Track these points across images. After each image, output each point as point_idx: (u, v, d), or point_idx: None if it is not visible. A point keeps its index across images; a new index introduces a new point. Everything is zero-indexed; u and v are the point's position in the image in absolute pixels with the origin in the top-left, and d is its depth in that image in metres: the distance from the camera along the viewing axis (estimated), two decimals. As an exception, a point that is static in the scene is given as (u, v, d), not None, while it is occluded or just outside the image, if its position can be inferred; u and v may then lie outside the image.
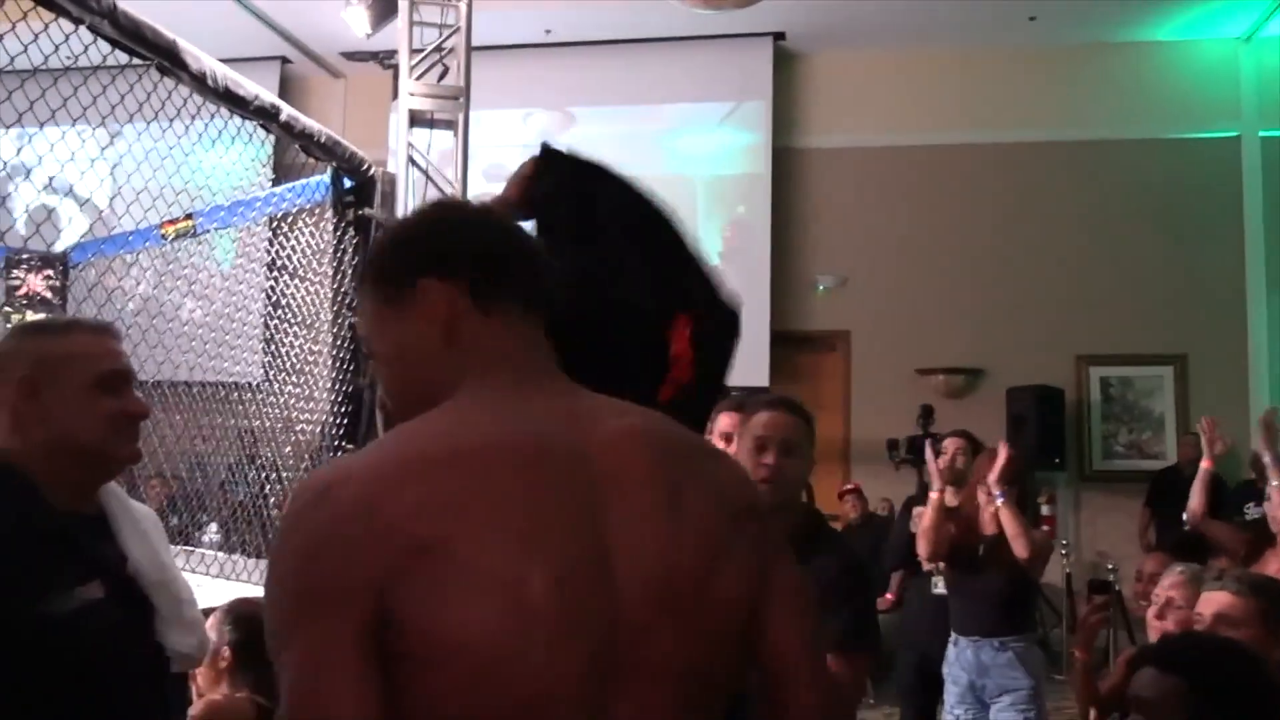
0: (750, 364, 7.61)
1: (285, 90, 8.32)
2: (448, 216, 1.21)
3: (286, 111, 3.59)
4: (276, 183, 5.27)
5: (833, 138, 8.41)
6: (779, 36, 8.25)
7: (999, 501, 3.48)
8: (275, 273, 4.76)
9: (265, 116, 3.50)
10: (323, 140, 3.83)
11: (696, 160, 8.49)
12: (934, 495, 3.61)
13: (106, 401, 1.56)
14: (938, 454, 3.80)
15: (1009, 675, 3.48)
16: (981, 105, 8.22)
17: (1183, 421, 7.89)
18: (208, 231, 5.27)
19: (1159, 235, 7.91)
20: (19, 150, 2.94)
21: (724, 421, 2.71)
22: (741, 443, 2.23)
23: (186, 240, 5.34)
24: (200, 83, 3.15)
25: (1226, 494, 7.23)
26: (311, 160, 4.06)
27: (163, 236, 5.43)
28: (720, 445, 2.75)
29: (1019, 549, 3.43)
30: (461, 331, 1.08)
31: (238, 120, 3.60)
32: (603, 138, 8.43)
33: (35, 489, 1.51)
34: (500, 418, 1.03)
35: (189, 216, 5.19)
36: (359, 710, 0.91)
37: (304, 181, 4.40)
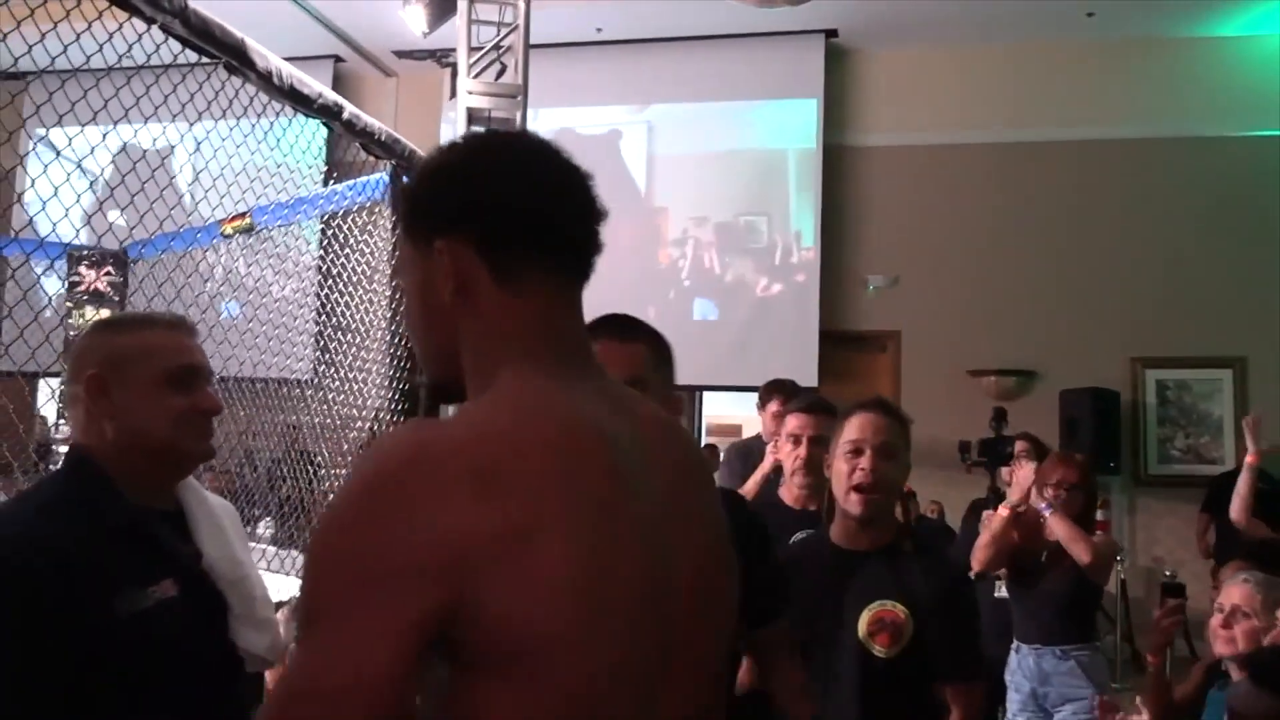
0: (799, 363, 7.56)
1: (338, 88, 8.40)
2: (482, 163, 1.03)
3: (349, 110, 3.61)
4: (328, 182, 5.32)
5: (884, 136, 8.33)
6: (831, 34, 8.19)
7: (1046, 513, 3.43)
8: (331, 268, 4.79)
9: (328, 114, 3.51)
10: (382, 138, 3.85)
11: (780, 131, 8.40)
12: (1005, 510, 3.53)
13: (176, 398, 1.56)
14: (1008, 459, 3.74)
15: (1071, 684, 3.42)
16: (1035, 103, 8.10)
17: (1240, 425, 7.73)
18: (265, 228, 5.34)
19: (1214, 234, 7.75)
20: (92, 148, 2.96)
21: (793, 423, 2.67)
22: (834, 447, 2.19)
23: (245, 236, 5.42)
24: (266, 81, 3.17)
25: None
26: (365, 159, 4.08)
27: (223, 234, 5.51)
28: (788, 447, 2.73)
29: (1078, 554, 3.38)
30: (479, 299, 1.00)
31: (293, 119, 3.63)
32: (666, 129, 8.46)
33: (111, 484, 1.52)
34: (568, 404, 0.97)
35: (246, 214, 5.26)
36: (383, 696, 0.82)
37: (362, 179, 4.43)
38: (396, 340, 4.07)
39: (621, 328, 1.72)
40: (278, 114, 3.63)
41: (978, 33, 7.98)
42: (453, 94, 4.42)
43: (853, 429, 2.17)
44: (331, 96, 3.50)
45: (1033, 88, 8.11)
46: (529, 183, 1.01)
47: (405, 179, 4.19)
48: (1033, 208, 8.04)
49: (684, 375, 7.29)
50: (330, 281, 4.75)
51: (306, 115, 3.50)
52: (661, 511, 0.97)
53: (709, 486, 1.10)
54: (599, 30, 8.20)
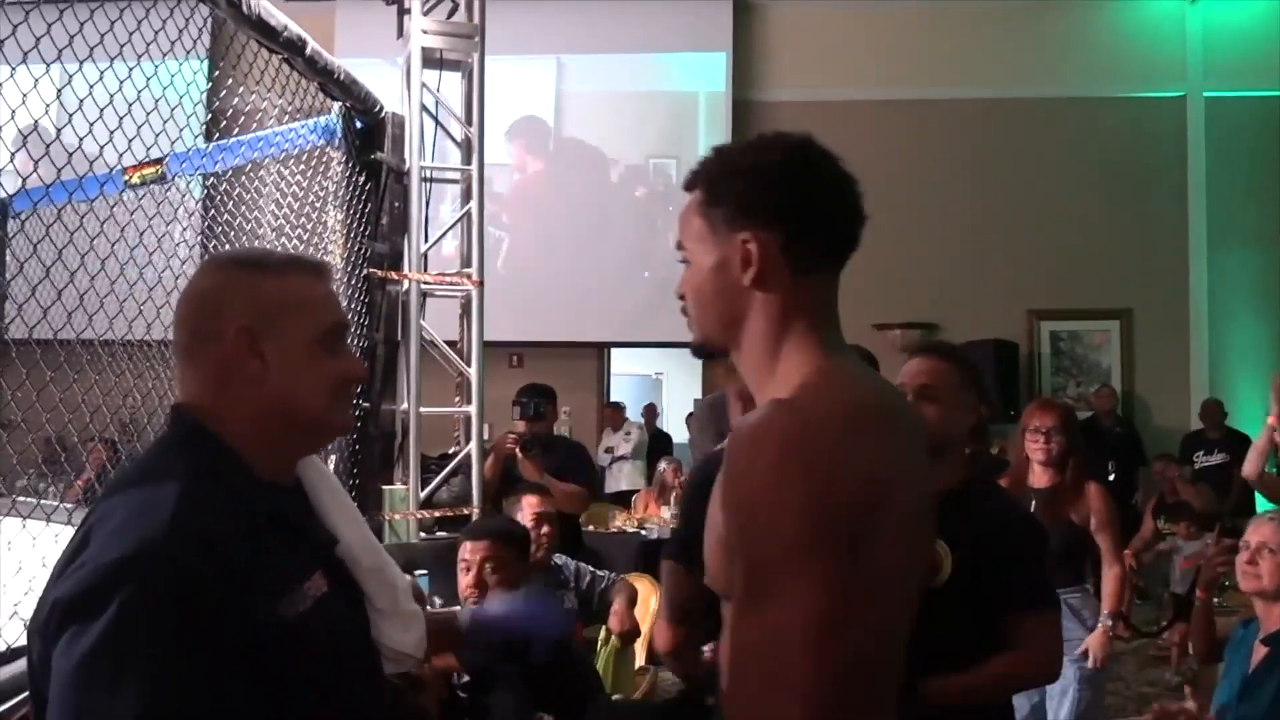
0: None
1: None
2: (792, 169, 1.16)
3: (311, 46, 3.34)
4: (210, 134, 4.94)
5: (791, 91, 8.35)
6: (739, -13, 8.14)
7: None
8: (258, 222, 4.45)
9: (292, 49, 3.25)
10: (341, 77, 3.59)
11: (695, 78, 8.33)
12: None
13: (329, 362, 1.29)
14: None
15: (1065, 626, 3.49)
16: (938, 61, 8.26)
17: (1128, 374, 8.15)
18: (179, 176, 4.93)
19: (1107, 192, 8.10)
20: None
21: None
22: None
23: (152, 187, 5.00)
24: (235, 9, 2.89)
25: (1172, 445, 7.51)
26: (249, 108, 3.78)
27: (127, 183, 5.06)
28: None
29: None
30: (776, 287, 1.13)
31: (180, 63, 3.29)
32: (589, 82, 8.27)
33: (240, 461, 1.25)
34: (871, 380, 1.18)
35: (158, 161, 4.84)
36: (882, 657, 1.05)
37: (298, 124, 4.12)
38: (353, 295, 3.82)
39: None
40: (163, 57, 3.31)
41: (883, -11, 8.06)
42: (399, 33, 4.14)
43: (903, 374, 2.15)
44: (296, 30, 3.23)
45: (935, 47, 8.25)
46: (827, 193, 1.15)
47: (358, 122, 3.93)
48: (935, 164, 8.21)
49: (592, 331, 7.18)
50: (227, 232, 4.38)
51: (270, 50, 3.22)
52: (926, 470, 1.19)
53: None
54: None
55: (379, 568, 1.43)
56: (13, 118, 2.66)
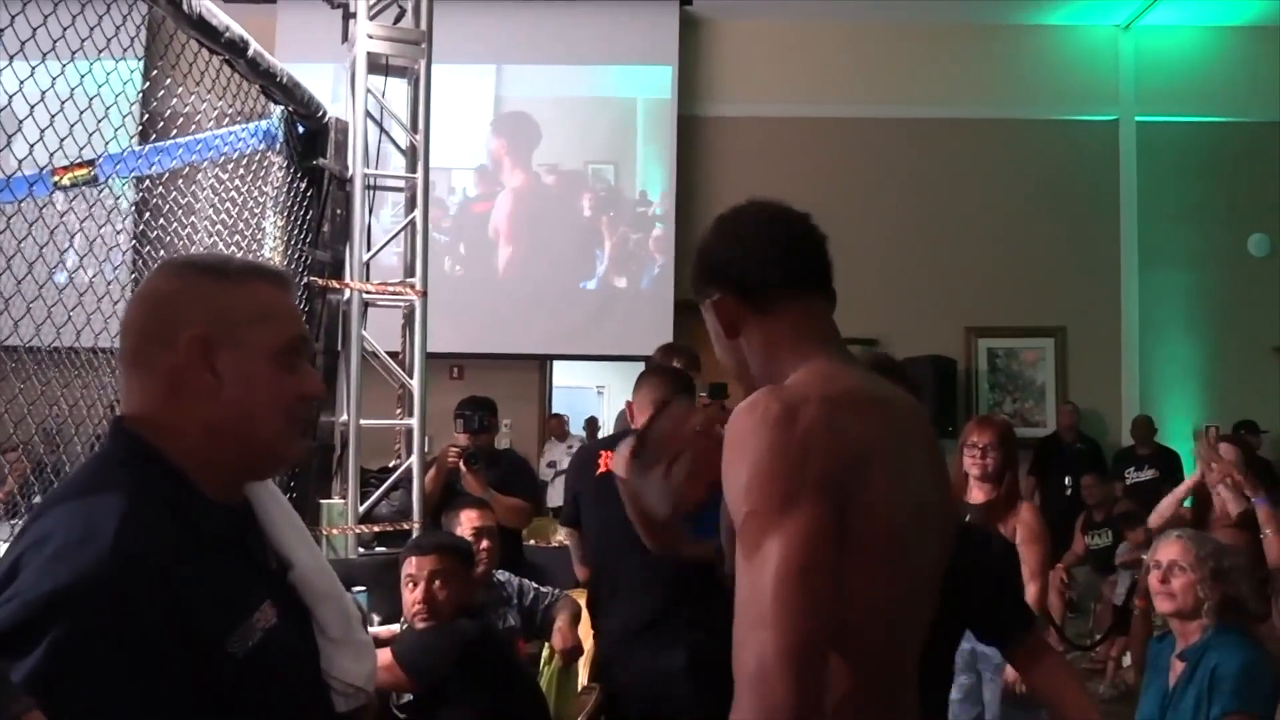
0: (654, 332, 7.52)
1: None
2: (723, 236, 1.41)
3: (254, 47, 3.26)
4: (145, 136, 4.81)
5: (738, 106, 8.39)
6: (685, 1, 8.15)
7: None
8: (194, 227, 4.33)
9: (234, 50, 3.17)
10: (284, 81, 3.51)
11: (632, 85, 8.34)
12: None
13: (287, 379, 1.19)
14: None
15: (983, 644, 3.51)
16: (880, 80, 8.35)
17: (1061, 390, 8.29)
18: (110, 179, 4.79)
19: (1043, 212, 8.25)
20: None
21: None
22: None
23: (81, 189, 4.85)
24: (175, 7, 2.82)
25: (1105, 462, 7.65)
26: (186, 110, 3.69)
27: (56, 185, 4.90)
28: None
29: None
30: (743, 329, 1.37)
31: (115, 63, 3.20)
32: (530, 89, 8.23)
33: (185, 479, 1.15)
34: (855, 377, 1.32)
35: (89, 163, 4.70)
36: (833, 596, 1.13)
37: (238, 128, 4.02)
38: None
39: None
40: (98, 54, 3.21)
41: (827, 8, 8.14)
42: (344, 37, 4.06)
43: None
44: (239, 31, 3.15)
45: (877, 65, 8.35)
46: (759, 242, 1.38)
47: (300, 127, 3.85)
48: (875, 181, 8.29)
49: (534, 343, 7.11)
50: (170, 237, 4.26)
51: (211, 50, 3.14)
52: (924, 456, 1.31)
53: (938, 450, 1.39)
54: (447, -17, 7.84)
55: (334, 594, 1.35)
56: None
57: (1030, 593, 3.61)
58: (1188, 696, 2.70)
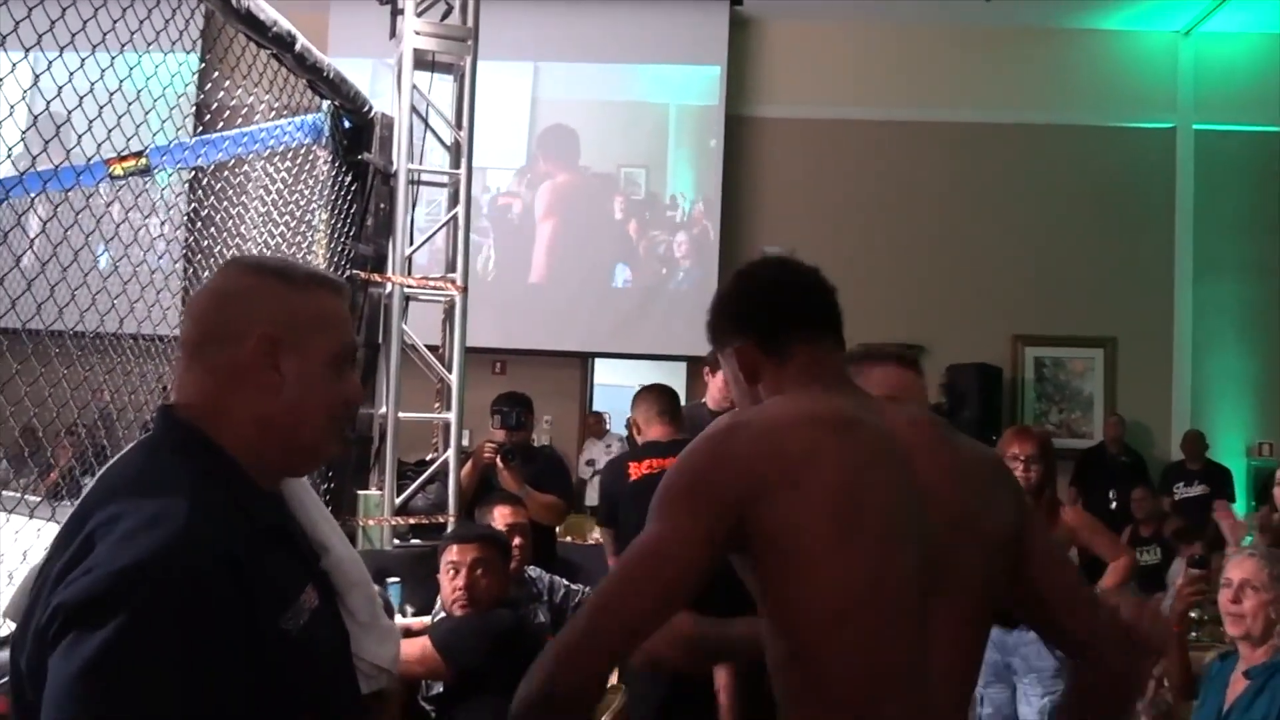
0: (698, 332, 7.51)
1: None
2: (749, 287, 1.52)
3: (300, 42, 3.30)
4: (199, 128, 4.88)
5: (785, 107, 8.35)
6: (736, 1, 8.12)
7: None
8: (240, 218, 4.38)
9: (281, 45, 3.20)
10: (330, 75, 3.55)
11: (667, 88, 8.34)
12: None
13: (336, 385, 1.26)
14: None
15: (1035, 655, 3.47)
16: (933, 84, 8.26)
17: (1110, 402, 8.15)
18: (162, 169, 4.87)
19: (1095, 220, 8.11)
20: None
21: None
22: None
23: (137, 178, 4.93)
24: (224, 2, 2.85)
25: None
26: (235, 103, 3.73)
27: (110, 175, 4.99)
28: None
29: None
30: (762, 375, 1.47)
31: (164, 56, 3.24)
32: (568, 92, 8.26)
33: (242, 471, 1.21)
34: (823, 402, 1.40)
35: (141, 153, 4.78)
36: (681, 578, 1.26)
37: (285, 121, 4.07)
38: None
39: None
40: (148, 47, 3.25)
41: (879, 11, 8.07)
42: (392, 33, 4.10)
43: (869, 383, 2.14)
44: (286, 25, 3.19)
45: (930, 69, 8.26)
46: (775, 295, 1.50)
47: (346, 121, 3.88)
48: (926, 186, 8.21)
49: (575, 340, 7.12)
50: (211, 230, 4.31)
51: (259, 44, 3.18)
52: (910, 472, 1.35)
53: (976, 455, 1.45)
54: (499, -19, 7.88)
55: (363, 582, 1.42)
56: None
57: (1117, 568, 3.55)
58: (1250, 716, 2.64)
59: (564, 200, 8.30)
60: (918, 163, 8.24)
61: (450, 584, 2.75)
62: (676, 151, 8.33)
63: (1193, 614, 3.51)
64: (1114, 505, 7.27)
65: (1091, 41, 8.22)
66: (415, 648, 2.50)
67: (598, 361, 8.61)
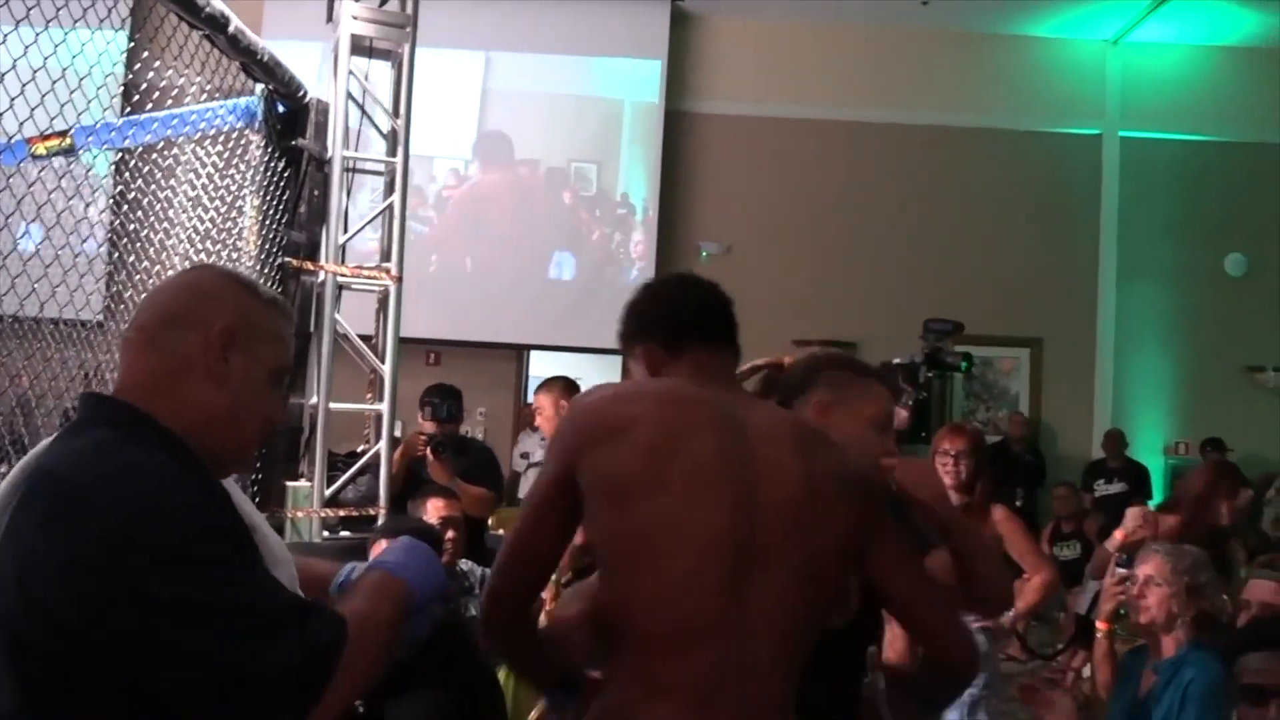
0: (633, 327, 7.53)
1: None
2: (657, 298, 1.74)
3: (234, 23, 3.23)
4: (125, 106, 4.76)
5: (724, 104, 8.39)
6: (677, -4, 8.15)
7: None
8: (168, 202, 4.27)
9: (214, 26, 3.13)
10: (265, 59, 3.48)
11: (620, 84, 8.35)
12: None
13: (269, 399, 1.36)
14: None
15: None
16: (868, 84, 8.36)
17: (1034, 401, 8.34)
18: (87, 149, 4.73)
19: (1023, 223, 8.29)
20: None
21: None
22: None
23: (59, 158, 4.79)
24: (154, -20, 2.78)
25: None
26: (165, 84, 3.65)
27: (32, 155, 4.84)
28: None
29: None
30: (662, 371, 1.68)
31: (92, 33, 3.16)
32: (519, 83, 8.20)
33: (191, 453, 1.27)
34: (674, 385, 1.63)
35: (64, 133, 4.64)
36: (545, 514, 1.56)
37: (216, 104, 3.98)
38: (266, 283, 3.70)
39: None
40: (74, 24, 3.16)
41: (819, 10, 8.14)
42: (329, 17, 4.03)
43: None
44: (219, 6, 3.12)
45: (868, 69, 8.36)
46: (668, 306, 1.71)
47: (280, 106, 3.81)
48: (857, 185, 8.31)
49: (511, 332, 7.08)
50: (137, 213, 4.20)
51: (191, 25, 3.11)
52: (745, 450, 1.52)
53: (832, 461, 1.59)
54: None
55: (286, 559, 1.45)
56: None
57: (1035, 585, 3.61)
58: (1158, 710, 2.72)
59: (510, 192, 8.25)
60: (851, 162, 8.33)
61: (377, 579, 2.72)
62: (630, 149, 8.32)
63: (1121, 611, 3.60)
64: (1020, 502, 7.44)
65: (1023, 47, 8.39)
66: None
67: (533, 354, 8.58)
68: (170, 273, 3.84)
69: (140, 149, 4.53)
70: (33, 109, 3.21)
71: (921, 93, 8.35)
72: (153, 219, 3.97)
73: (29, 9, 2.86)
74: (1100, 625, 3.04)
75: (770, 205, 8.26)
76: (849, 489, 1.58)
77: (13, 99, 3.10)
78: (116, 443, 1.23)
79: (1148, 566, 2.81)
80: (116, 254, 4.25)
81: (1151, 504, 7.68)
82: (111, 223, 4.58)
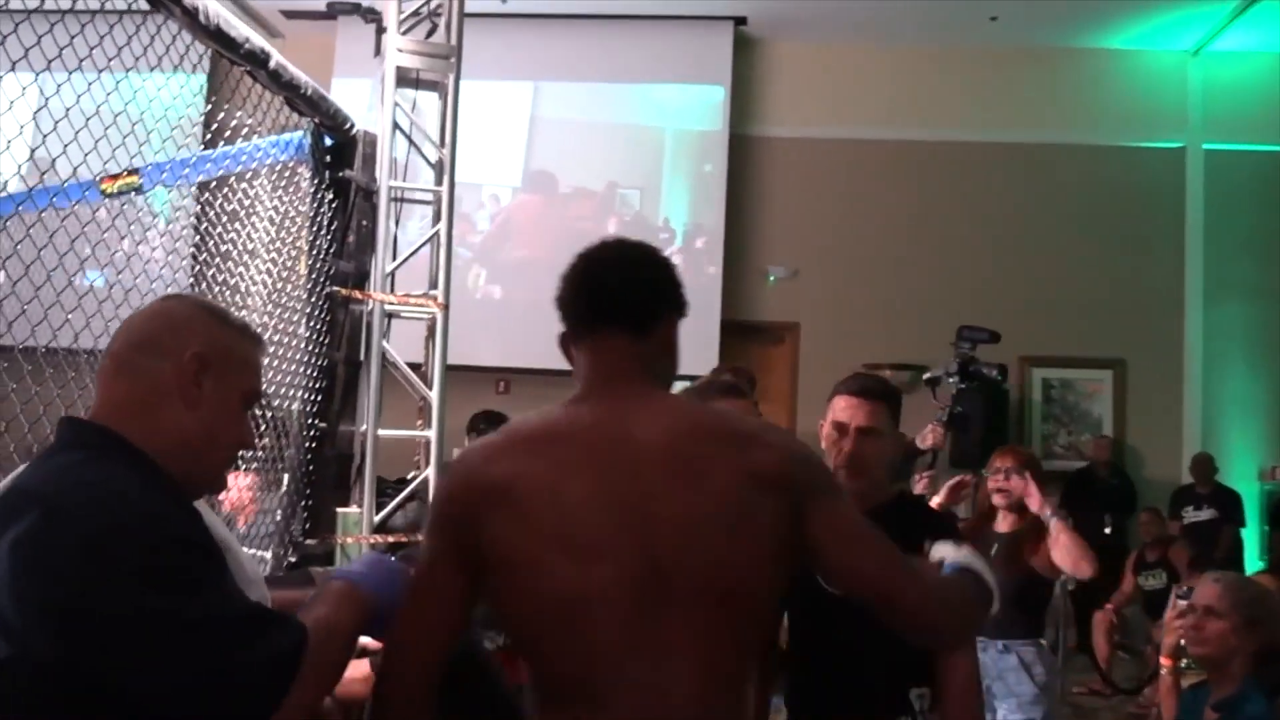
0: (700, 353, 7.48)
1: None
2: (565, 275, 1.53)
3: (275, 59, 3.31)
4: (209, 145, 4.92)
5: (788, 127, 8.34)
6: (740, 21, 8.13)
7: (1053, 523, 3.41)
8: (215, 234, 4.38)
9: (254, 62, 3.21)
10: (308, 93, 3.56)
11: (665, 111, 8.37)
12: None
13: (239, 422, 1.40)
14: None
15: (1013, 680, 3.41)
16: (938, 103, 8.23)
17: (1118, 424, 8.04)
18: (155, 188, 4.90)
19: (1104, 241, 8.03)
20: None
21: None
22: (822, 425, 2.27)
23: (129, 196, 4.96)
24: (192, 19, 2.86)
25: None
26: (247, 123, 3.76)
27: (102, 192, 5.03)
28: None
29: (1086, 571, 3.38)
30: (575, 359, 1.52)
31: (167, 77, 3.28)
32: (567, 111, 8.29)
33: (163, 475, 1.31)
34: (559, 418, 1.47)
35: (134, 171, 4.81)
36: (430, 593, 1.43)
37: (270, 139, 4.08)
38: (315, 313, 3.77)
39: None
40: (151, 68, 3.28)
41: (885, 31, 8.05)
42: (376, 51, 4.11)
43: (837, 410, 2.25)
44: (259, 43, 3.20)
45: (935, 88, 8.23)
46: (569, 287, 1.52)
47: (327, 139, 3.89)
48: (930, 206, 8.16)
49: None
50: (213, 246, 4.34)
51: (232, 61, 3.19)
52: (634, 480, 1.39)
53: (740, 464, 1.42)
54: (504, 2, 7.91)
55: (259, 580, 1.50)
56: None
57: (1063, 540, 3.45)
58: (1219, 751, 2.58)
59: (560, 219, 8.32)
60: (923, 183, 8.19)
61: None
62: (672, 177, 8.33)
63: (1183, 642, 3.44)
64: (1108, 530, 7.16)
65: (1099, 61, 8.17)
66: (362, 669, 2.46)
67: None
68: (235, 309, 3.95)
69: (213, 186, 4.66)
70: (114, 150, 3.36)
71: (993, 110, 8.19)
72: (218, 258, 4.08)
73: (110, 59, 2.99)
74: (1164, 661, 2.90)
75: (838, 228, 8.16)
76: (767, 481, 1.41)
77: (96, 141, 3.26)
78: (86, 462, 1.28)
79: (1206, 596, 2.67)
80: (197, 288, 4.39)
81: (1244, 531, 7.36)
82: (194, 256, 4.70)
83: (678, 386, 1.69)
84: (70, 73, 2.91)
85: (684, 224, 8.23)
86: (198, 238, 4.61)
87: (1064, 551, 3.39)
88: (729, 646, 1.39)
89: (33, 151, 3.94)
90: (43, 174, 3.67)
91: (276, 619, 1.26)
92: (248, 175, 4.27)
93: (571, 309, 1.50)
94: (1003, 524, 3.59)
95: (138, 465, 1.28)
